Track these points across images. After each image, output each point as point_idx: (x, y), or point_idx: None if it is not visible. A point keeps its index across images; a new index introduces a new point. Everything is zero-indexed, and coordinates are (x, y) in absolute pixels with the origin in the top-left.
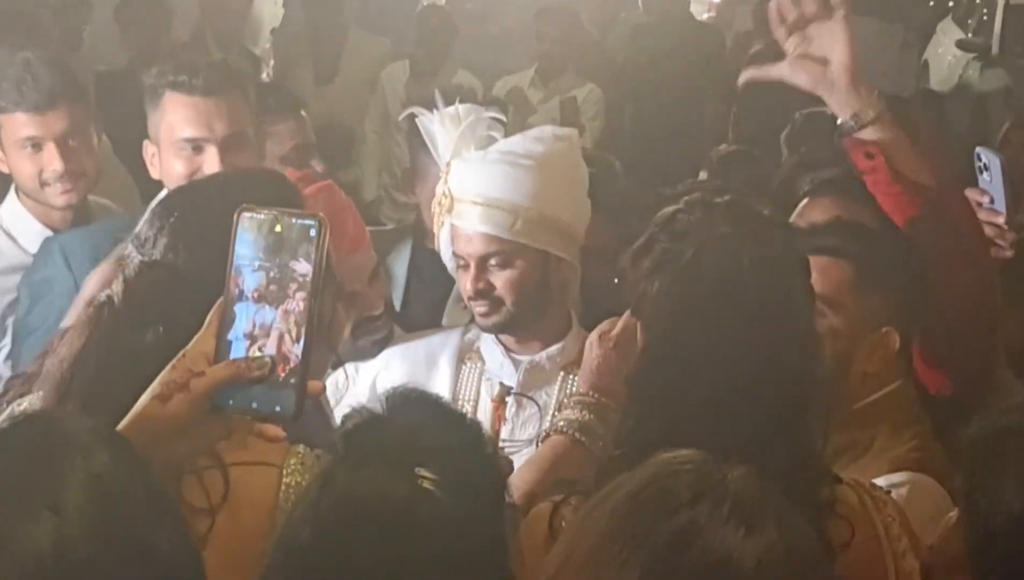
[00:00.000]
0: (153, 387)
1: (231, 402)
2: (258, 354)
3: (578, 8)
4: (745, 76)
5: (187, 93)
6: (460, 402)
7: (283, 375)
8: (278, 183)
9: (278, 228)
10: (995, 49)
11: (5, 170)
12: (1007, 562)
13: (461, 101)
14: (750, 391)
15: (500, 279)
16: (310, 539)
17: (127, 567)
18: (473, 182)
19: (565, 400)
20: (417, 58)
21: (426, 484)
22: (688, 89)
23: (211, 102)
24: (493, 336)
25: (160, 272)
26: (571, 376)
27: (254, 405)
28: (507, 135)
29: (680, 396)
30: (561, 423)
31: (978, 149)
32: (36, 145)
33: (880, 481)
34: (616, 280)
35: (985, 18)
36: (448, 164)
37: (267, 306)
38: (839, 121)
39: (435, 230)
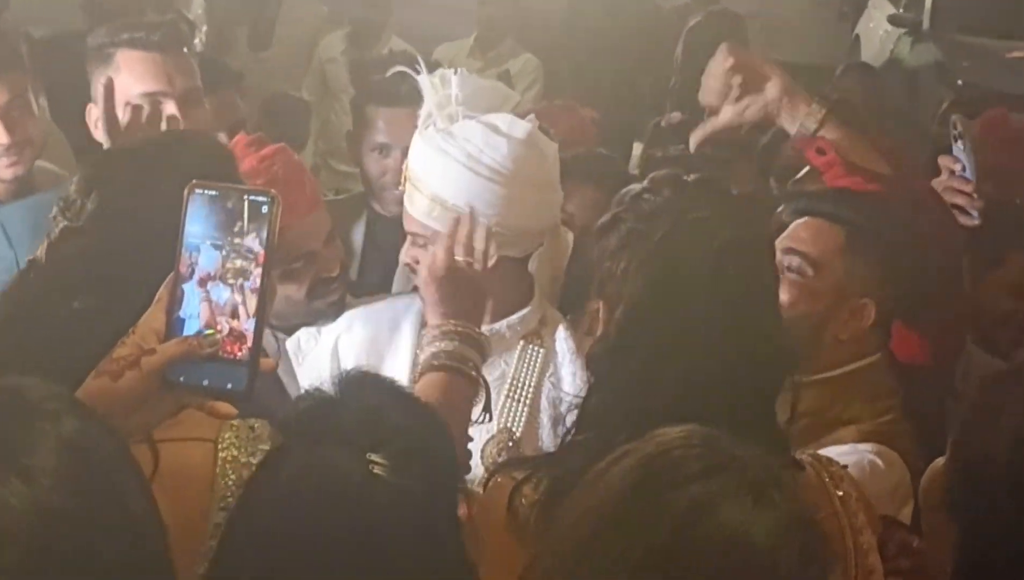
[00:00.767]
0: (101, 364)
1: (182, 379)
2: (209, 331)
3: None
4: (696, 138)
5: (144, 49)
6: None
7: (235, 352)
8: (213, 149)
9: (229, 204)
10: (926, 24)
11: None
12: (990, 511)
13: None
14: (723, 375)
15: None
16: (261, 522)
17: (101, 527)
18: (430, 175)
19: (424, 335)
20: (356, 25)
21: (378, 470)
22: (625, 59)
23: (169, 58)
24: None
25: (85, 239)
26: (531, 346)
27: (205, 382)
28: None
29: (650, 381)
30: (429, 359)
31: (954, 117)
32: None
33: (845, 449)
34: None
35: None
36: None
37: (219, 283)
38: (790, 135)
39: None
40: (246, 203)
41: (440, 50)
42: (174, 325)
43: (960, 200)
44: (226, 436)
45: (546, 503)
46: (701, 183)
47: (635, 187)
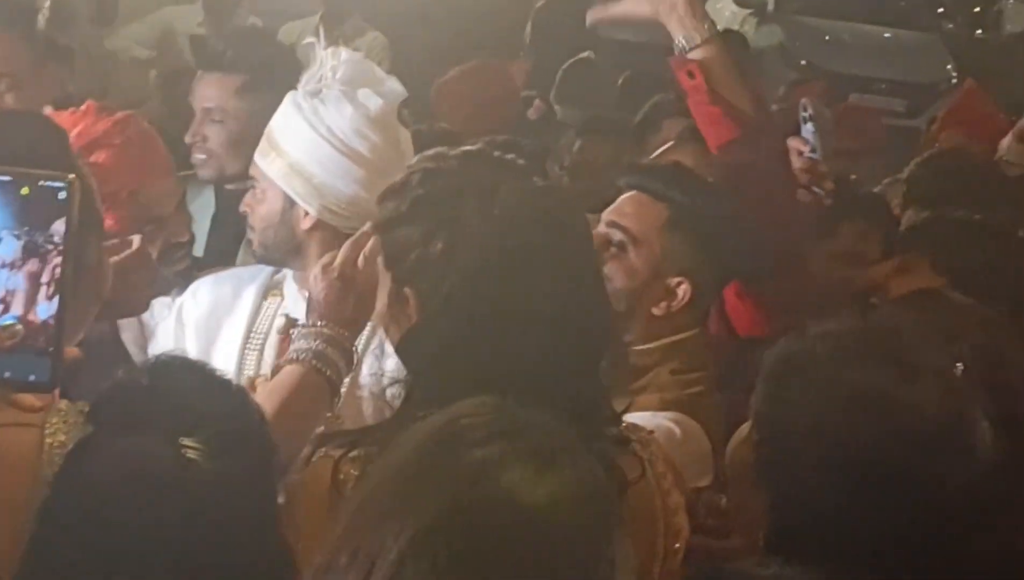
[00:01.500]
0: None
1: None
2: (8, 322)
3: None
4: (591, 17)
5: None
6: (254, 335)
7: (36, 343)
8: (39, 127)
9: (24, 191)
10: (770, 6)
11: None
12: (795, 481)
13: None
14: (545, 345)
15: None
16: (72, 512)
17: None
18: (292, 140)
19: (294, 331)
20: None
21: (191, 454)
22: (482, 37)
23: (5, 37)
24: (292, 273)
25: None
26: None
27: (7, 374)
28: None
29: (467, 358)
30: (294, 354)
31: (804, 100)
32: None
33: (644, 416)
34: None
35: None
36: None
37: (17, 272)
38: (674, 43)
39: None
40: (43, 189)
41: (286, 28)
42: None
43: (809, 180)
44: (53, 421)
45: (363, 479)
46: (496, 160)
47: (428, 155)
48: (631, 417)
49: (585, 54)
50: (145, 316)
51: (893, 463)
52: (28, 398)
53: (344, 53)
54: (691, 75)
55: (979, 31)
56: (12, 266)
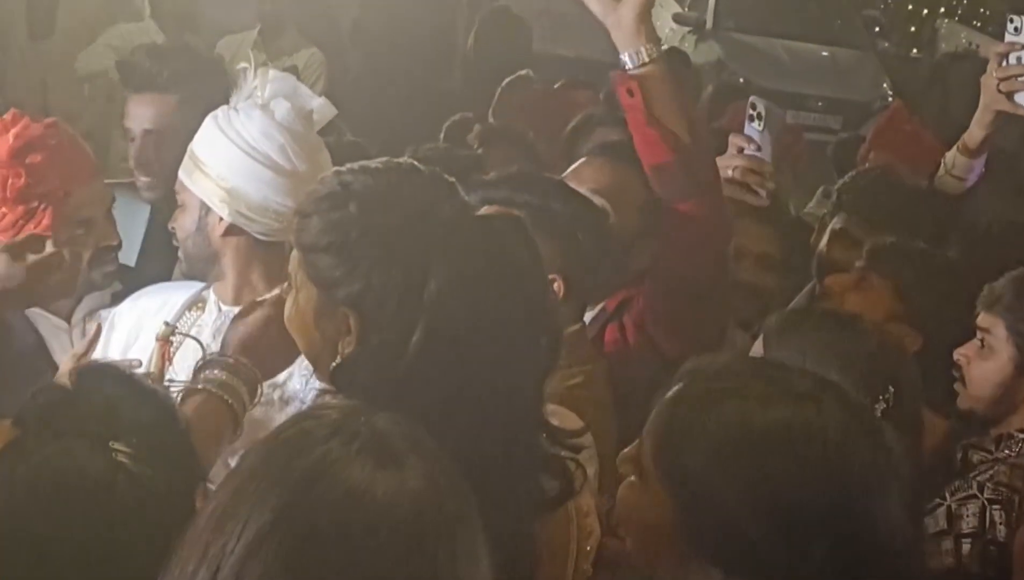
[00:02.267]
0: None
1: None
2: None
3: None
4: None
5: None
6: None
7: None
8: None
9: None
10: (709, 23)
11: None
12: (699, 486)
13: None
14: (493, 371)
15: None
16: (1, 518)
17: None
18: (206, 149)
19: (209, 357)
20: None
21: (121, 458)
22: (426, 54)
23: None
24: (213, 286)
25: None
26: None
27: None
28: None
29: (407, 383)
30: (201, 384)
31: (753, 98)
32: None
33: None
34: None
35: None
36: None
37: None
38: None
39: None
40: None
41: (224, 42)
42: None
43: (751, 179)
44: None
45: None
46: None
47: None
48: None
49: (524, 72)
50: (75, 320)
51: (805, 495)
52: None
53: (272, 72)
54: (631, 93)
55: (915, 50)
56: None
